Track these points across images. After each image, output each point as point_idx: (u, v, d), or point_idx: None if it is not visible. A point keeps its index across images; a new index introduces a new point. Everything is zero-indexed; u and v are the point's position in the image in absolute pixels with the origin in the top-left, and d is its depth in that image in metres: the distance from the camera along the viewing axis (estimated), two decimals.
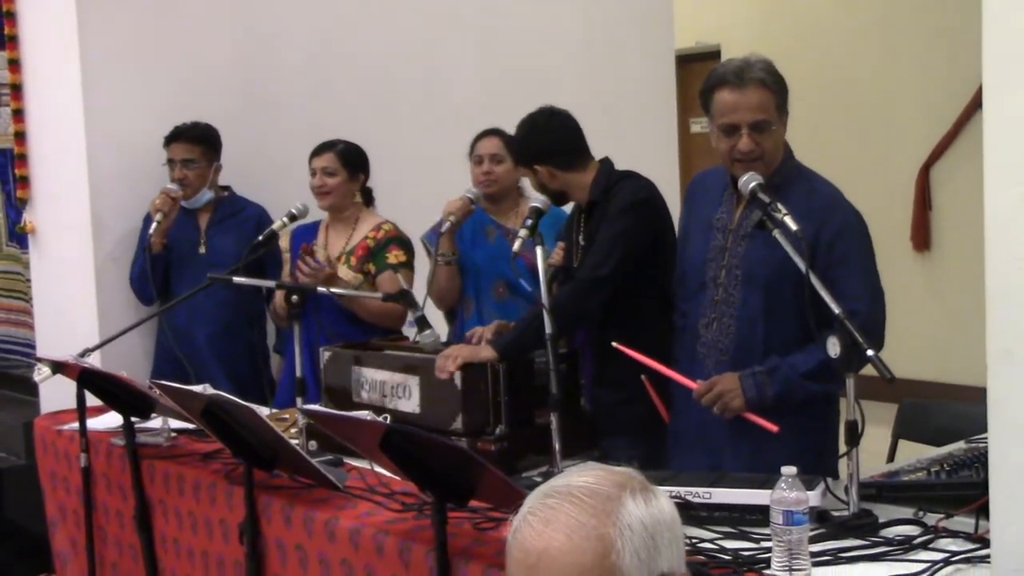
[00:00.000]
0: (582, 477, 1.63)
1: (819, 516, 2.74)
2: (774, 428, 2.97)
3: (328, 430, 3.31)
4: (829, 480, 2.88)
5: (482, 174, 4.33)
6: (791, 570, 2.44)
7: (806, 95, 4.89)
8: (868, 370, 3.04)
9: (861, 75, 7.33)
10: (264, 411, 3.49)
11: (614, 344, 3.28)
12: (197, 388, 3.31)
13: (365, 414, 3.03)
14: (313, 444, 3.61)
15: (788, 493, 2.43)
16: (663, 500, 1.64)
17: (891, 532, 2.70)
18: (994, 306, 2.20)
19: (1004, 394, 2.21)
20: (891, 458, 3.95)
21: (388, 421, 2.83)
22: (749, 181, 3.00)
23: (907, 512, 2.81)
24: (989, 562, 2.33)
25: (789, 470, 2.46)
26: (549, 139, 3.68)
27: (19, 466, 5.24)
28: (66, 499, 4.44)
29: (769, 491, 2.45)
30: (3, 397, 6.22)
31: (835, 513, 2.79)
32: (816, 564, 2.52)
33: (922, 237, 6.93)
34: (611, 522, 1.56)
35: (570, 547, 1.55)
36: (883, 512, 2.81)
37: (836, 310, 2.73)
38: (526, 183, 4.19)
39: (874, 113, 7.26)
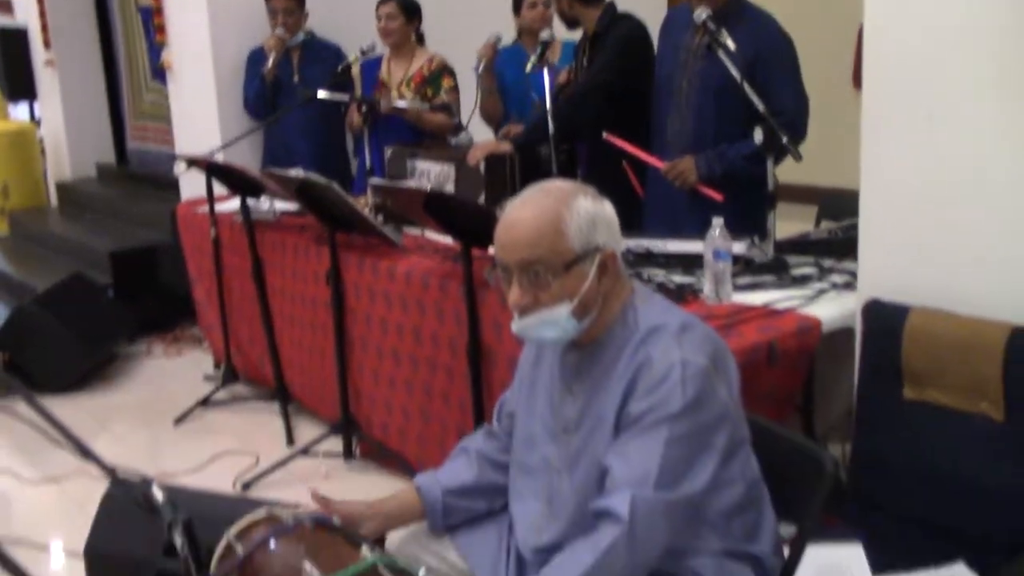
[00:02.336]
0: (554, 181, 1.77)
1: (746, 262, 2.92)
2: (719, 197, 3.11)
3: (389, 198, 3.48)
4: (756, 238, 3.03)
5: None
6: (718, 294, 2.64)
7: None
8: (796, 178, 3.16)
9: None
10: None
11: (604, 135, 3.37)
12: (292, 172, 3.46)
13: (413, 183, 3.20)
14: (380, 217, 3.79)
15: (716, 236, 2.61)
16: (607, 205, 1.75)
17: (797, 272, 2.88)
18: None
19: (873, 160, 2.35)
20: None
21: None
22: (700, 14, 3.08)
23: (810, 259, 2.98)
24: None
25: (718, 220, 2.64)
26: None
27: (168, 243, 5.48)
28: (202, 262, 4.64)
29: None
30: (154, 195, 6.45)
31: (758, 260, 2.96)
32: (738, 290, 2.71)
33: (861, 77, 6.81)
34: (565, 205, 1.67)
35: (533, 215, 1.67)
36: (795, 261, 2.98)
37: (761, 108, 2.85)
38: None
39: None
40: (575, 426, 1.74)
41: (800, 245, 3.14)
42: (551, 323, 1.67)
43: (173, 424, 4.34)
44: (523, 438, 1.87)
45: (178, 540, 1.67)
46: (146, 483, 1.89)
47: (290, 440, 4.02)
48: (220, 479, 3.64)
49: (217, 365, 4.81)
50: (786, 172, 3.57)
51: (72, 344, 4.79)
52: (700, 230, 2.85)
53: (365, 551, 1.58)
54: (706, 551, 1.67)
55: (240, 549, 1.67)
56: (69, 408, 4.62)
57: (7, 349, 4.75)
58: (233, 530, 1.74)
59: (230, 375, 4.59)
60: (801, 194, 4.08)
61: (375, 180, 3.48)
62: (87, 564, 2.66)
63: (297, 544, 1.65)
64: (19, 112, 8.27)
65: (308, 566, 1.56)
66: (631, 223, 3.55)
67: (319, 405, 4.02)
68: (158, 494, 1.85)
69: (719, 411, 1.64)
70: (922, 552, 2.17)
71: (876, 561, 2.16)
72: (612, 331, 1.72)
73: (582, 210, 1.68)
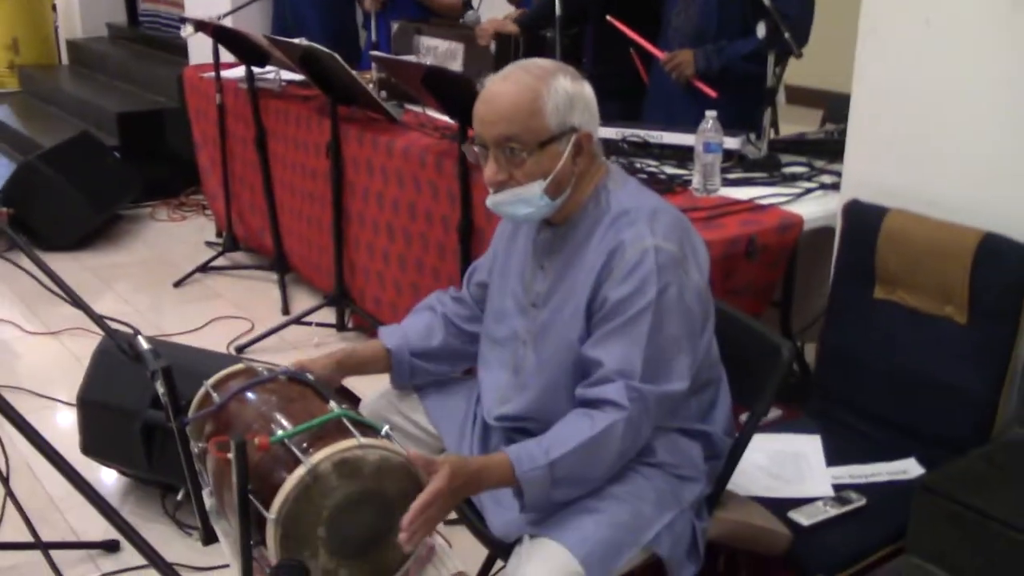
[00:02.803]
0: (536, 60, 1.78)
1: (740, 157, 2.94)
2: (713, 94, 3.11)
3: (389, 71, 3.48)
4: (752, 135, 3.05)
5: None
6: (705, 186, 2.68)
7: None
8: (806, 81, 3.12)
9: None
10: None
11: (608, 18, 3.34)
12: (296, 40, 3.46)
13: (413, 58, 3.20)
14: (383, 94, 3.80)
15: (708, 128, 2.63)
16: (586, 87, 1.74)
17: (788, 171, 2.91)
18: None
19: (865, 62, 2.35)
20: None
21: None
22: None
23: (804, 159, 3.00)
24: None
25: (711, 113, 2.65)
26: None
27: (175, 108, 5.50)
28: (207, 128, 4.65)
29: None
30: (163, 59, 6.44)
31: (751, 156, 2.98)
32: (728, 185, 2.74)
33: None
34: (544, 83, 1.68)
35: (512, 90, 1.69)
36: (789, 160, 3.00)
37: (766, 2, 2.82)
38: None
39: None
40: (543, 301, 1.81)
41: (796, 144, 3.16)
42: (524, 200, 1.72)
43: (173, 286, 4.44)
44: (494, 311, 1.94)
45: (159, 387, 1.77)
46: (133, 334, 1.98)
47: (286, 309, 4.12)
48: (215, 342, 3.75)
49: (219, 232, 4.88)
50: (796, 75, 3.55)
51: (77, 202, 4.86)
52: (697, 123, 2.84)
53: (332, 405, 1.66)
54: (660, 427, 1.74)
55: (216, 397, 1.76)
56: (72, 265, 4.73)
57: (12, 205, 4.82)
58: (211, 380, 1.83)
59: (231, 242, 4.67)
60: (810, 97, 4.07)
61: (376, 53, 3.47)
62: (79, 411, 2.78)
63: (270, 395, 1.74)
64: None
65: (278, 416, 1.64)
66: (635, 112, 3.61)
67: (315, 276, 4.10)
68: (143, 344, 1.94)
69: (693, 294, 1.70)
70: (879, 447, 2.25)
71: (833, 453, 2.25)
72: (585, 211, 1.77)
73: (560, 89, 1.69)
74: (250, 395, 1.75)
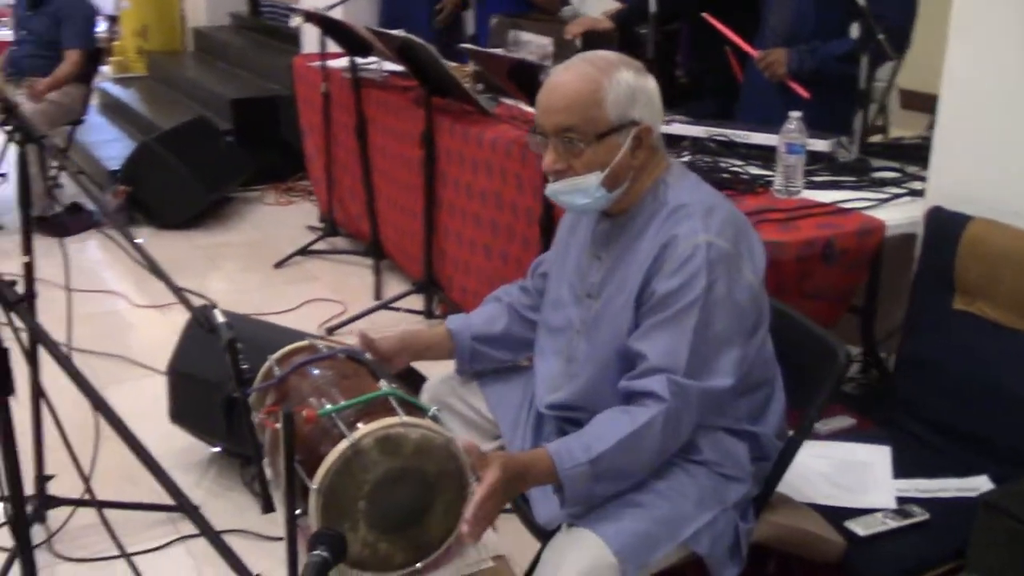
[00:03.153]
0: (601, 52, 1.79)
1: (829, 160, 2.89)
2: (805, 94, 3.06)
3: (479, 64, 3.53)
4: (844, 138, 2.98)
5: None
6: (787, 188, 2.64)
7: None
8: (917, 85, 3.03)
9: None
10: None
11: (704, 15, 3.31)
12: (395, 32, 3.54)
13: (501, 51, 3.24)
14: (480, 86, 3.85)
15: (792, 129, 2.60)
16: (650, 81, 1.74)
17: (879, 175, 2.84)
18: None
19: (954, 65, 2.28)
20: None
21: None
22: None
23: (896, 164, 2.92)
24: None
25: (795, 114, 2.61)
26: None
27: (288, 95, 5.66)
28: (312, 115, 4.79)
29: None
30: (280, 48, 6.65)
31: (841, 159, 2.92)
32: (813, 187, 2.69)
33: None
34: (606, 76, 1.68)
35: (574, 80, 1.69)
36: (881, 164, 2.92)
37: (861, 2, 2.76)
38: None
39: None
40: (597, 291, 1.82)
41: (891, 149, 3.08)
42: (581, 190, 1.73)
43: (273, 267, 4.60)
44: (552, 300, 1.96)
45: (226, 357, 1.86)
46: (210, 307, 2.08)
47: (378, 294, 4.22)
48: (308, 322, 3.87)
49: (322, 217, 5.02)
50: (911, 79, 3.44)
51: (189, 183, 5.07)
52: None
53: (383, 383, 1.71)
54: (707, 425, 1.74)
55: (277, 371, 1.83)
56: (182, 243, 4.95)
57: (130, 183, 5.07)
58: (275, 355, 1.90)
59: (331, 227, 4.81)
60: (922, 102, 3.94)
61: (467, 45, 3.52)
62: (169, 381, 2.92)
63: (327, 371, 1.80)
64: None
65: (331, 391, 1.70)
66: (729, 111, 3.57)
67: (407, 263, 4.19)
68: (219, 317, 2.03)
69: (745, 294, 1.69)
70: (951, 462, 2.19)
71: (903, 465, 2.20)
72: (643, 203, 1.77)
73: (622, 82, 1.69)
74: (309, 370, 1.82)
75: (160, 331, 3.92)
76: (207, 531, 1.55)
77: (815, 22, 3.15)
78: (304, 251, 4.69)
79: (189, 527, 2.68)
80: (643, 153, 1.74)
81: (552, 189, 1.77)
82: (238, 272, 4.62)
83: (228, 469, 2.96)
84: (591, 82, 1.70)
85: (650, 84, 1.75)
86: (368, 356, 1.87)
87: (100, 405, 1.56)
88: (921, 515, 2.01)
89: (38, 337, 1.42)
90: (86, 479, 2.11)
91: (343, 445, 1.54)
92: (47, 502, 2.57)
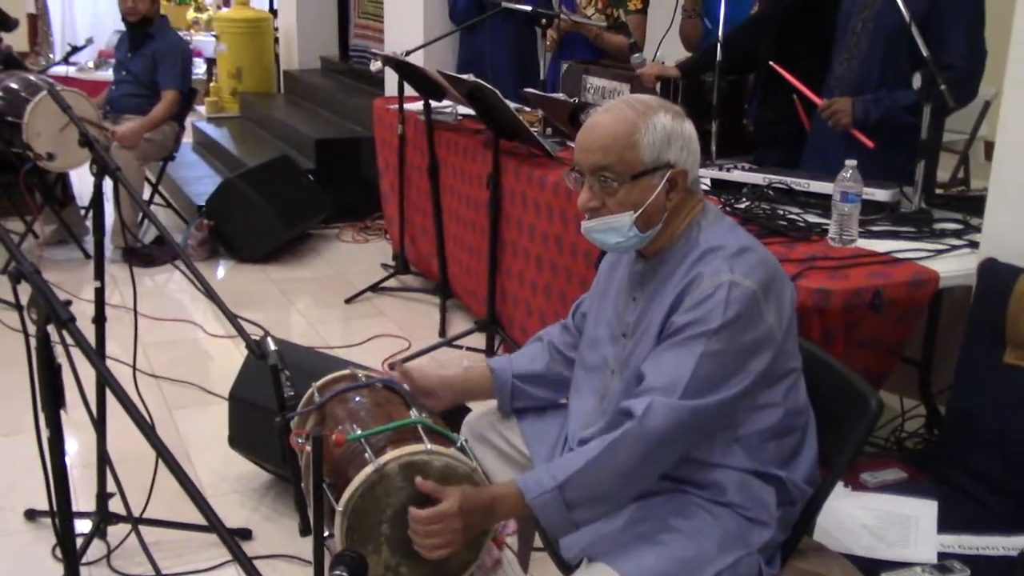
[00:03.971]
0: (643, 95, 1.84)
1: (891, 209, 2.86)
2: (870, 144, 3.04)
3: (540, 107, 3.60)
4: (908, 188, 2.95)
5: None
6: (841, 236, 2.62)
7: None
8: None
9: None
10: (514, 105, 3.76)
11: (771, 63, 3.32)
12: (464, 76, 3.64)
13: (561, 96, 3.30)
14: (549, 131, 3.93)
15: (847, 178, 2.59)
16: (688, 125, 1.78)
17: (940, 226, 2.80)
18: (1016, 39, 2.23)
19: (1010, 115, 2.26)
20: None
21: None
22: None
23: (959, 215, 2.88)
24: None
25: (851, 162, 2.61)
26: None
27: (369, 137, 5.81)
28: (388, 156, 4.94)
29: None
30: (366, 91, 6.83)
31: (904, 210, 2.90)
32: (871, 236, 2.67)
33: None
34: (643, 118, 1.73)
35: (611, 122, 1.75)
36: (943, 215, 2.88)
37: (924, 53, 2.75)
38: None
39: None
40: (632, 331, 1.85)
41: (958, 201, 3.04)
42: (615, 229, 1.77)
43: (344, 303, 4.72)
44: (589, 339, 1.99)
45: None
46: (264, 338, 2.17)
47: (443, 331, 4.29)
48: (372, 357, 3.95)
49: (395, 256, 5.14)
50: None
51: (270, 219, 5.25)
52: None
53: (413, 412, 1.77)
54: (734, 467, 1.74)
55: (318, 397, 1.90)
56: (259, 276, 5.11)
57: (213, 217, 5.27)
58: (318, 383, 1.98)
59: (403, 265, 4.92)
60: None
61: (530, 90, 3.60)
62: (230, 407, 3.03)
63: (364, 399, 1.86)
64: (259, 1, 8.89)
65: (364, 417, 1.76)
66: (796, 160, 3.56)
67: (473, 302, 4.26)
68: (270, 346, 2.12)
69: (762, 335, 1.69)
70: (999, 519, 2.14)
71: (949, 521, 2.15)
72: (676, 246, 1.80)
73: (659, 125, 1.74)
74: (348, 397, 1.88)
75: (231, 360, 4.06)
76: (238, 555, 1.60)
77: (881, 71, 3.13)
78: (375, 288, 4.80)
79: (244, 550, 2.76)
80: (677, 195, 1.77)
81: (586, 227, 1.82)
82: (309, 306, 4.75)
83: (284, 495, 3.04)
84: (628, 124, 1.74)
85: (687, 128, 1.79)
86: (405, 387, 1.93)
87: (141, 424, 1.63)
88: (961, 571, 1.97)
89: (90, 358, 1.51)
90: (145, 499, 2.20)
91: (368, 469, 1.59)
92: (108, 518, 2.67)
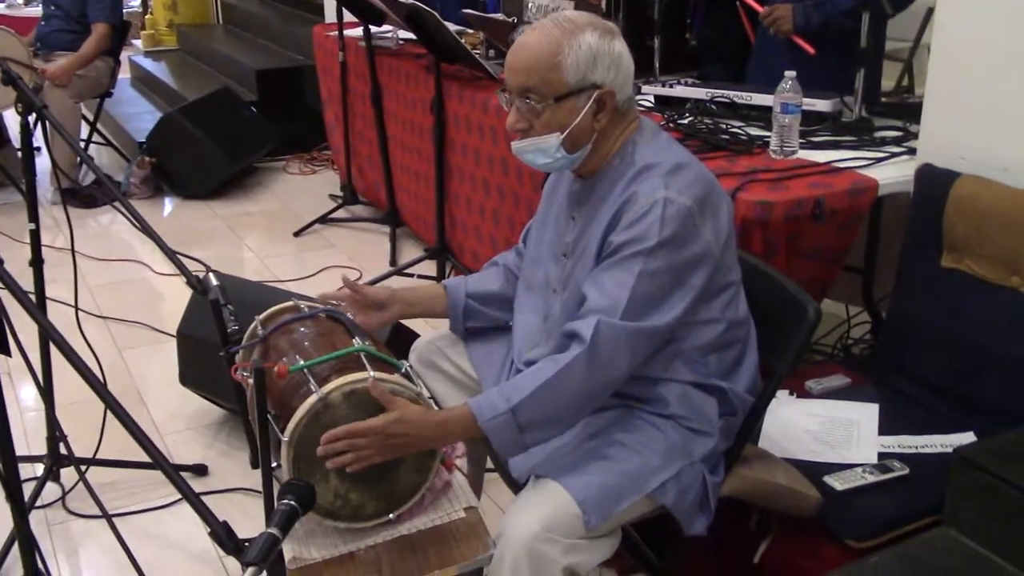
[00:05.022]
0: (572, 12, 1.80)
1: (832, 119, 2.87)
2: (811, 50, 3.04)
3: (481, 29, 3.55)
4: (848, 98, 2.96)
5: None
6: (782, 148, 2.64)
7: None
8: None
9: None
10: (452, 27, 3.69)
11: None
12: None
13: (499, 16, 3.26)
14: (492, 52, 3.86)
15: (786, 89, 2.59)
16: (618, 43, 1.73)
17: (879, 135, 2.82)
18: None
19: (946, 19, 2.27)
20: None
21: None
22: None
23: (900, 123, 2.90)
24: None
25: (790, 73, 2.60)
26: None
27: (312, 65, 5.71)
28: (331, 85, 4.85)
29: None
30: (307, 18, 6.69)
31: (845, 120, 2.91)
32: (812, 147, 2.68)
33: None
34: (569, 38, 1.69)
35: (535, 43, 1.72)
36: (884, 123, 2.91)
37: None
38: None
39: None
40: (571, 251, 1.86)
41: (899, 108, 3.06)
42: (542, 150, 1.76)
43: (293, 236, 4.68)
44: (532, 257, 2.00)
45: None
46: (207, 274, 2.15)
47: (393, 260, 4.28)
48: (324, 288, 3.91)
49: (342, 186, 5.09)
50: None
51: (213, 153, 5.16)
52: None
53: (356, 340, 1.77)
54: (676, 380, 1.77)
55: (261, 330, 1.90)
56: (205, 213, 5.05)
57: (154, 154, 5.17)
58: (261, 316, 1.97)
59: (351, 196, 4.87)
60: None
61: (468, 11, 3.54)
62: (178, 345, 3.02)
63: (307, 329, 1.86)
64: None
65: (308, 347, 1.76)
66: (740, 76, 3.55)
67: (422, 230, 4.24)
68: (212, 281, 2.10)
69: (699, 251, 1.70)
70: (939, 420, 2.20)
71: (889, 423, 2.21)
72: (611, 165, 1.80)
73: (584, 45, 1.70)
74: (291, 328, 1.88)
75: (180, 298, 4.02)
76: (184, 491, 1.60)
77: None
78: (324, 219, 4.77)
79: (198, 485, 2.77)
80: (606, 116, 1.76)
81: (516, 147, 1.81)
82: (258, 241, 4.70)
83: (239, 430, 3.04)
84: (552, 44, 1.72)
85: (616, 47, 1.76)
86: (349, 316, 1.93)
87: (77, 364, 1.62)
88: (901, 470, 2.03)
89: (21, 301, 1.48)
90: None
91: (312, 399, 1.60)
92: (59, 461, 2.67)
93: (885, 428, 2.20)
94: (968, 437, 2.15)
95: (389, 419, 1.61)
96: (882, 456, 2.09)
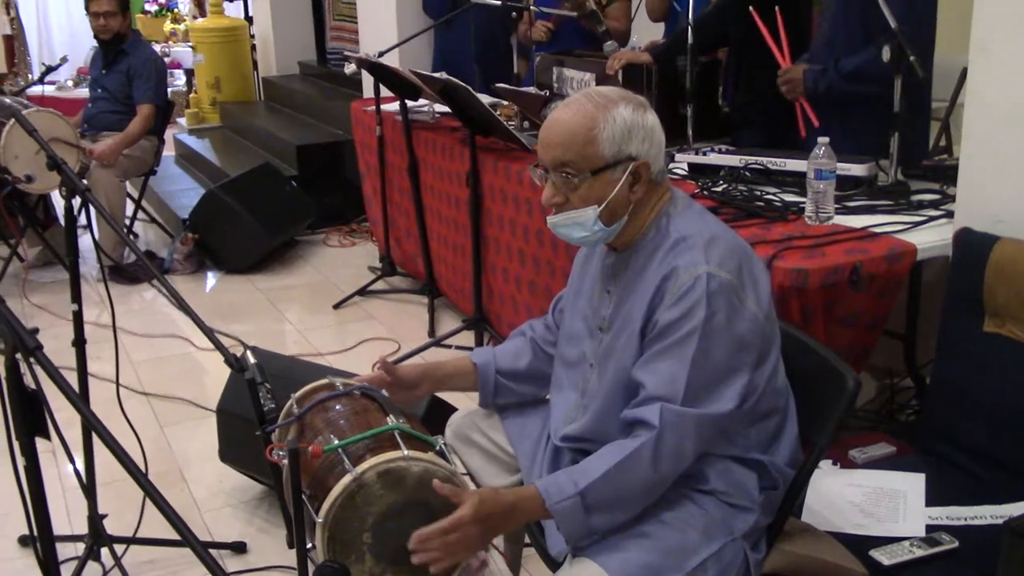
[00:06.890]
0: (604, 88, 1.83)
1: (868, 183, 2.86)
2: (816, 122, 3.03)
3: (513, 102, 3.60)
4: (884, 162, 2.94)
5: None
6: (817, 214, 2.62)
7: None
8: None
9: None
10: (486, 99, 3.76)
11: (750, 7, 3.16)
12: (437, 74, 3.63)
13: (532, 89, 3.30)
14: (527, 124, 3.92)
15: (820, 155, 2.59)
16: (650, 115, 1.77)
17: (916, 199, 2.80)
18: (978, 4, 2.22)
19: (978, 82, 2.26)
20: None
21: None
22: None
23: (937, 186, 2.88)
24: None
25: (823, 139, 2.60)
26: None
27: (350, 140, 5.81)
28: (369, 158, 4.93)
29: None
30: (345, 94, 6.82)
31: (881, 184, 2.89)
32: (847, 213, 2.67)
33: None
34: (603, 112, 1.72)
35: (571, 117, 1.74)
36: (920, 186, 2.88)
37: (892, 24, 2.74)
38: None
39: None
40: (608, 325, 1.85)
41: (933, 170, 3.03)
42: (579, 224, 1.77)
43: (333, 308, 4.72)
44: (567, 333, 1.99)
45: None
46: (244, 351, 2.18)
47: (432, 331, 4.29)
48: (363, 362, 3.96)
49: (381, 258, 5.13)
50: None
51: (254, 228, 5.24)
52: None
53: (391, 419, 1.77)
54: (715, 454, 1.75)
55: (296, 408, 1.90)
56: (246, 287, 5.11)
57: (197, 230, 5.26)
58: (297, 394, 1.98)
59: (389, 267, 4.92)
60: None
61: (500, 85, 3.59)
62: (218, 421, 3.03)
63: (342, 407, 1.87)
64: (234, 9, 8.85)
65: (342, 426, 1.77)
66: (779, 142, 3.54)
67: (460, 300, 4.26)
68: (250, 359, 2.12)
69: (747, 326, 1.69)
70: (987, 489, 2.14)
71: (937, 493, 2.16)
72: (646, 237, 1.80)
73: (619, 118, 1.73)
74: (327, 407, 1.88)
75: (223, 374, 4.05)
76: (214, 569, 1.60)
77: (845, 36, 3.07)
78: (363, 291, 4.80)
79: (237, 563, 2.77)
80: (641, 188, 1.77)
81: (552, 222, 1.82)
82: (300, 314, 4.75)
83: (278, 506, 3.03)
84: (587, 118, 1.74)
85: (649, 119, 1.78)
86: (383, 392, 1.93)
87: (111, 444, 1.63)
88: (950, 543, 1.97)
89: (58, 384, 1.50)
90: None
91: (347, 479, 1.60)
92: (100, 540, 2.67)
93: (932, 499, 2.15)
94: (1020, 507, 2.09)
95: (470, 507, 1.59)
96: (930, 528, 2.04)
